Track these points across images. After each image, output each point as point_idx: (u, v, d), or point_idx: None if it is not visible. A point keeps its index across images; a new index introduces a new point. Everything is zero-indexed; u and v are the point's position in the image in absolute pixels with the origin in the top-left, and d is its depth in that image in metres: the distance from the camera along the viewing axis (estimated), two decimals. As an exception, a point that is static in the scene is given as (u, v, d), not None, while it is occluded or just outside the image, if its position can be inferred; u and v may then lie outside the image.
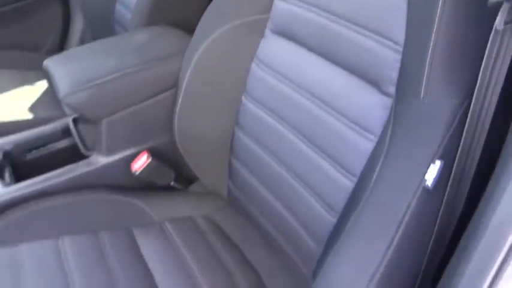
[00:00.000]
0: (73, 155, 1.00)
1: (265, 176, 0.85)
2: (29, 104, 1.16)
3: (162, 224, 0.92)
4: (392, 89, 0.58)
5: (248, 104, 0.86)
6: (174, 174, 1.02)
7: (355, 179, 0.63)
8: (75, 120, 1.01)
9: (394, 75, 0.57)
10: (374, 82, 0.62)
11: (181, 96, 0.88)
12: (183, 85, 0.87)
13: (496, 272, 0.38)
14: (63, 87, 0.87)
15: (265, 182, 0.86)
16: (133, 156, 0.96)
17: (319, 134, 0.71)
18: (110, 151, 0.95)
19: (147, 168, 0.95)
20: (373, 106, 0.61)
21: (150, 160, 0.95)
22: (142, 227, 0.90)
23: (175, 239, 0.89)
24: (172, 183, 1.03)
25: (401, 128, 0.54)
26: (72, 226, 0.86)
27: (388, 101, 0.59)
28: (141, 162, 0.95)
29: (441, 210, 0.49)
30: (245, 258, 0.88)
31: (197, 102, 0.90)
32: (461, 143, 0.47)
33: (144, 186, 1.00)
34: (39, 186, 0.91)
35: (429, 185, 0.48)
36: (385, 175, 0.54)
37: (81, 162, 0.96)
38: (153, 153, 0.97)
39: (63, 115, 1.05)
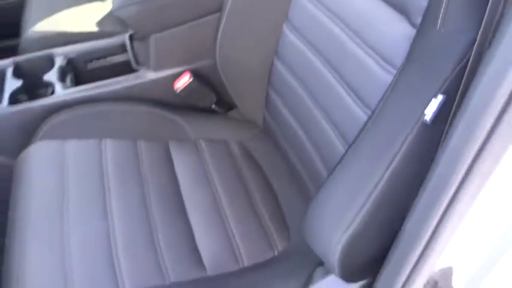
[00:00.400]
0: (127, 69, 1.07)
1: (296, 108, 0.86)
2: (96, 18, 1.24)
3: (197, 142, 0.97)
4: (419, 20, 0.55)
5: (288, 33, 0.85)
6: (215, 98, 1.06)
7: (369, 112, 0.62)
8: (131, 37, 1.07)
9: (424, 3, 0.53)
10: (405, 12, 0.58)
11: (224, 20, 0.89)
12: (226, 9, 0.88)
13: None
14: (116, 1, 0.92)
15: (295, 114, 0.86)
16: (178, 75, 1.00)
17: (345, 66, 0.69)
18: (157, 67, 1.00)
19: (188, 88, 1.00)
20: (400, 37, 0.58)
21: (191, 80, 0.99)
22: (178, 142, 0.96)
23: (206, 158, 0.94)
24: (213, 107, 1.07)
25: (413, 59, 0.51)
26: (115, 131, 0.94)
27: (413, 33, 0.55)
28: (183, 81, 0.99)
29: (439, 147, 0.47)
30: (268, 183, 0.92)
31: (239, 27, 0.90)
32: (464, 79, 0.43)
33: (186, 106, 1.05)
34: (92, 92, 0.99)
35: (427, 119, 0.46)
36: (389, 107, 0.52)
37: (132, 75, 1.02)
38: (196, 75, 1.01)
39: (124, 31, 1.12)
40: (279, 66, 0.89)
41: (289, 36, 0.85)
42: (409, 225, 0.49)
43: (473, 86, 0.38)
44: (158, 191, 0.85)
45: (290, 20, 0.85)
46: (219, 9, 0.91)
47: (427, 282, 0.45)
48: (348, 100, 0.68)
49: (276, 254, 0.80)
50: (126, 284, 0.69)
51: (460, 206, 0.41)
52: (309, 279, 0.71)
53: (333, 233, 0.56)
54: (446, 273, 0.44)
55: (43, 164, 0.86)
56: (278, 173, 0.93)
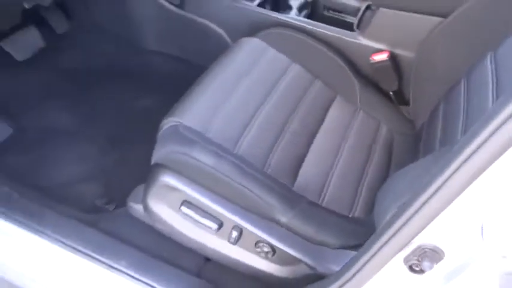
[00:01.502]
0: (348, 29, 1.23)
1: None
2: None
3: (357, 110, 1.10)
4: None
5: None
6: (396, 87, 1.15)
7: None
8: (368, 6, 1.22)
9: None
10: None
11: (444, 25, 0.97)
12: (452, 16, 0.95)
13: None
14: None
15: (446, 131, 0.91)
16: (379, 50, 1.13)
17: None
18: (369, 36, 1.15)
19: (380, 65, 1.12)
20: None
21: (387, 60, 1.11)
22: (343, 99, 1.10)
23: (355, 123, 1.07)
24: (390, 93, 1.17)
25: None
26: (305, 63, 1.12)
27: None
28: (380, 57, 1.12)
29: None
30: (388, 168, 1.01)
31: (450, 37, 0.97)
32: None
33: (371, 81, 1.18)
34: (314, 29, 1.20)
35: None
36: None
37: (347, 32, 1.19)
38: (393, 58, 1.12)
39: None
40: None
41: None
42: None
43: None
44: (303, 118, 1.02)
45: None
46: (445, 15, 0.98)
47: (413, 251, 0.51)
48: None
49: (350, 215, 0.90)
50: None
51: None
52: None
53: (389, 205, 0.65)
54: (437, 253, 0.49)
55: (245, 51, 1.10)
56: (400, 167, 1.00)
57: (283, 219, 0.82)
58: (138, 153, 0.98)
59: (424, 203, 0.48)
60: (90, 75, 1.44)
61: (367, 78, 1.18)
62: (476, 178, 0.44)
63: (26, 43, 1.34)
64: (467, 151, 0.44)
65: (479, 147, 0.43)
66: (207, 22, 1.33)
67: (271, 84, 1.04)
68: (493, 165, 0.43)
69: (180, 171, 0.85)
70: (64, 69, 1.44)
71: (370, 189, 0.95)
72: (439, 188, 0.46)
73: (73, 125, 1.30)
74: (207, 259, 0.95)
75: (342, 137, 1.03)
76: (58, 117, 1.32)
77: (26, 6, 1.06)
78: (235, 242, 0.83)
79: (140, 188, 0.96)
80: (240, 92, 0.99)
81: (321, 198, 0.91)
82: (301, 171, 0.93)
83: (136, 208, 0.98)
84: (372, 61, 1.13)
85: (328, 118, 1.05)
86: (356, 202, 0.93)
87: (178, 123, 0.88)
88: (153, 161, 0.89)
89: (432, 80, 1.01)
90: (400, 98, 1.17)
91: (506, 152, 0.42)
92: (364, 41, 1.16)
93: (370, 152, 1.03)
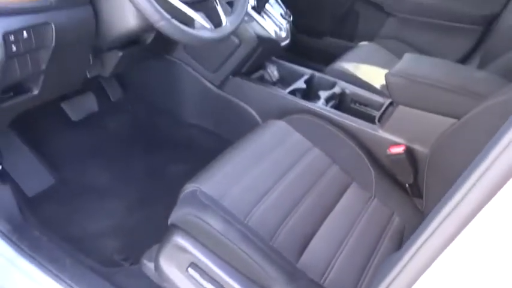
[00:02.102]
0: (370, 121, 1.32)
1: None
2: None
3: (371, 198, 1.14)
4: None
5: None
6: (412, 180, 1.19)
7: None
8: (392, 102, 1.32)
9: None
10: None
11: (455, 126, 1.03)
12: (463, 118, 1.01)
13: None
14: (395, 67, 1.18)
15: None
16: (395, 143, 1.20)
17: None
18: (388, 129, 1.22)
19: (396, 158, 1.18)
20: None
21: (403, 154, 1.16)
22: (358, 186, 1.15)
23: (367, 210, 1.11)
24: (406, 186, 1.21)
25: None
26: (327, 150, 1.20)
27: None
28: (397, 150, 1.18)
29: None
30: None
31: (462, 138, 1.02)
32: None
33: (388, 172, 1.23)
34: (338, 119, 1.30)
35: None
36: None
37: (369, 124, 1.27)
38: (409, 152, 1.17)
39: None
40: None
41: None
42: None
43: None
44: (316, 199, 1.06)
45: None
46: (458, 117, 1.05)
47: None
48: None
49: None
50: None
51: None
52: None
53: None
54: None
55: (270, 132, 1.20)
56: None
57: (282, 292, 0.84)
58: (161, 214, 1.05)
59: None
60: (132, 140, 1.59)
61: (384, 169, 1.23)
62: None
63: (82, 106, 1.52)
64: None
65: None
66: (241, 103, 1.46)
67: (290, 163, 1.11)
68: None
69: (192, 233, 0.91)
70: (110, 132, 1.60)
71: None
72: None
73: (108, 182, 1.41)
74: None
75: (352, 222, 1.06)
76: (97, 174, 1.45)
77: (89, 76, 1.24)
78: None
79: (155, 247, 1.02)
80: (260, 168, 1.07)
81: (323, 278, 0.93)
82: (308, 250, 0.96)
83: (149, 266, 1.03)
84: (389, 153, 1.19)
85: (341, 202, 1.09)
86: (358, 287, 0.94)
87: (197, 189, 0.96)
88: (169, 222, 0.96)
89: (442, 178, 1.05)
90: (415, 191, 1.20)
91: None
92: (383, 133, 1.23)
93: (379, 240, 1.05)
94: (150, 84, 1.67)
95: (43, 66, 0.99)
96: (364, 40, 1.99)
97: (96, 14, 1.02)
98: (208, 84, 1.50)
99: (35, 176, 1.35)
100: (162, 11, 0.87)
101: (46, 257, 1.08)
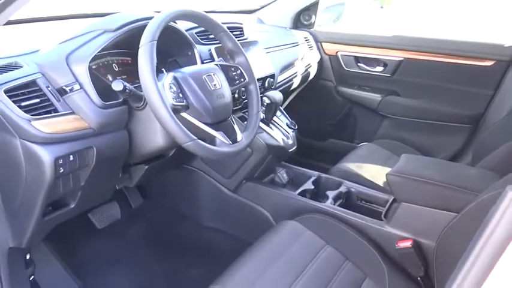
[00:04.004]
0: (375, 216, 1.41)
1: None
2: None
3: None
4: None
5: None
6: (422, 273, 1.25)
7: None
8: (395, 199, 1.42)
9: None
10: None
11: (455, 220, 1.13)
12: (461, 212, 1.11)
13: None
14: (396, 166, 1.31)
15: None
16: (403, 238, 1.28)
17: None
18: (394, 225, 1.31)
19: (404, 251, 1.25)
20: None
21: (410, 248, 1.24)
22: (372, 282, 1.21)
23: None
24: (418, 278, 1.27)
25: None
26: (337, 246, 1.28)
27: None
28: (404, 244, 1.25)
29: None
30: None
31: (465, 233, 1.11)
32: None
33: (400, 266, 1.30)
34: (347, 217, 1.39)
35: None
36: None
37: (377, 221, 1.36)
38: (416, 246, 1.25)
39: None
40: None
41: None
42: None
43: None
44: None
45: None
46: (458, 211, 1.14)
47: None
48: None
49: None
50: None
51: None
52: None
53: None
54: None
55: (285, 232, 1.29)
56: None
57: None
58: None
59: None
60: (153, 245, 1.67)
61: (396, 263, 1.29)
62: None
63: (107, 215, 1.64)
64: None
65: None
66: (255, 205, 1.57)
67: (305, 263, 1.18)
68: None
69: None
70: (130, 239, 1.69)
71: None
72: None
73: (132, 284, 1.47)
74: None
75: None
76: (118, 280, 1.51)
77: (117, 187, 1.37)
78: None
79: None
80: (277, 268, 1.14)
81: None
82: None
83: None
84: (398, 247, 1.26)
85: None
86: None
87: (221, 290, 1.03)
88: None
89: (451, 270, 1.12)
90: (427, 284, 1.25)
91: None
92: (390, 229, 1.32)
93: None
94: (169, 191, 1.80)
95: (82, 183, 1.12)
96: (363, 140, 2.17)
97: (130, 136, 1.18)
98: (224, 189, 1.63)
99: (61, 285, 1.41)
100: (189, 133, 1.03)
101: None
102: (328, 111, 2.41)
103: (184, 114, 1.09)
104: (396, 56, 2.13)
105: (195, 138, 1.03)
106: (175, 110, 1.05)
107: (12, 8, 0.92)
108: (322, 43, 2.31)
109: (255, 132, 1.26)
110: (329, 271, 1.19)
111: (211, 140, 1.11)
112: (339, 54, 2.28)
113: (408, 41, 2.11)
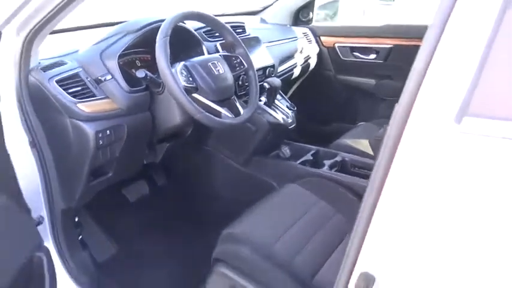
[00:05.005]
0: (366, 178, 1.65)
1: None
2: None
3: None
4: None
5: None
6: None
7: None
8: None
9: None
10: None
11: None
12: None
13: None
14: (377, 133, 1.54)
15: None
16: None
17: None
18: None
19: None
20: None
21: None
22: None
23: None
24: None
25: None
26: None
27: None
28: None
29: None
30: None
31: None
32: None
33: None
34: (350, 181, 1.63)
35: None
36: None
37: (365, 180, 1.60)
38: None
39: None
40: None
41: None
42: None
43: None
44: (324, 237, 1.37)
45: None
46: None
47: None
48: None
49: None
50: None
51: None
52: None
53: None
54: (368, 279, 0.77)
55: (286, 193, 1.54)
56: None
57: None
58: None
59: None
60: (175, 215, 1.95)
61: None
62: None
63: (137, 190, 1.93)
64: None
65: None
66: (263, 176, 1.83)
67: (301, 213, 1.43)
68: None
69: (230, 263, 1.22)
70: (158, 210, 1.97)
71: None
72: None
73: (160, 247, 1.75)
74: None
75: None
76: (147, 244, 1.79)
77: (145, 162, 1.66)
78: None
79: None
80: (276, 217, 1.39)
81: None
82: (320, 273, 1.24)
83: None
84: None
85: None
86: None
87: (232, 231, 1.29)
88: (212, 257, 1.27)
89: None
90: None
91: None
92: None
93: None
94: (188, 170, 2.07)
95: (117, 154, 1.40)
96: (364, 121, 2.39)
97: (153, 116, 1.46)
98: (236, 164, 1.89)
99: (102, 246, 1.70)
100: (199, 107, 1.29)
101: None
102: (330, 97, 2.65)
103: (195, 95, 1.37)
104: (387, 43, 2.35)
105: (204, 111, 1.30)
106: (187, 91, 1.32)
107: (55, 21, 1.21)
108: (321, 37, 2.56)
109: (254, 109, 1.51)
110: (320, 220, 1.42)
111: (217, 114, 1.37)
112: (336, 45, 2.52)
113: (397, 28, 2.34)
